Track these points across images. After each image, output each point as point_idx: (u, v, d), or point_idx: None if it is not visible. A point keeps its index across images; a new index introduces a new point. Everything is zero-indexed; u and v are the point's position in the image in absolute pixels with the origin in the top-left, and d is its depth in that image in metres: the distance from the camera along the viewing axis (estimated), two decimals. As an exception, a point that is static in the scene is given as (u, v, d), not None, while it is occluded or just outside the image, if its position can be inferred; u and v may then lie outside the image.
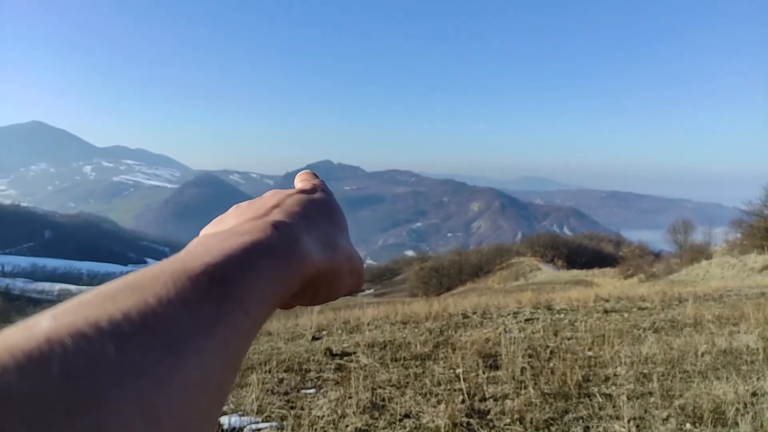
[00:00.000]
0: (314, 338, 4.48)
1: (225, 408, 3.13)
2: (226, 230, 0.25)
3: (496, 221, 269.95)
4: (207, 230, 0.28)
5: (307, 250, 0.26)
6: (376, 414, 2.72)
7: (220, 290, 0.20)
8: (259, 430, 2.63)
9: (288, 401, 2.97)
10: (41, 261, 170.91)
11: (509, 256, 43.10)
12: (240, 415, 2.82)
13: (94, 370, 0.16)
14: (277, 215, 0.27)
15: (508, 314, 5.50)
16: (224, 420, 2.72)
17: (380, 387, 3.11)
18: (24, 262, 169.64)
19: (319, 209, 0.31)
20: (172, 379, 0.17)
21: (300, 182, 0.36)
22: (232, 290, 0.21)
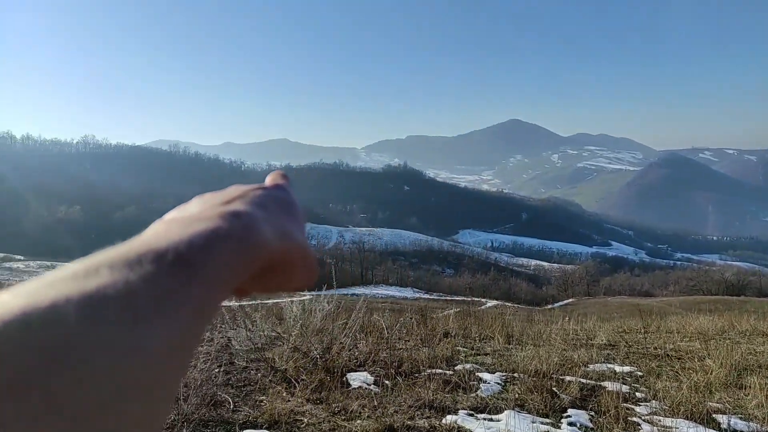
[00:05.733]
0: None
1: (720, 405, 3.46)
2: (190, 216, 0.28)
3: None
4: (169, 216, 0.30)
5: (264, 238, 0.28)
6: None
7: (184, 270, 0.22)
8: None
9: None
10: (520, 239, 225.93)
11: None
12: (742, 419, 2.89)
13: (65, 341, 0.17)
14: (237, 205, 0.29)
15: None
16: (722, 419, 2.86)
17: None
18: (507, 239, 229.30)
19: (278, 203, 0.34)
20: (138, 349, 0.18)
21: (268, 182, 0.39)
22: (195, 271, 0.23)
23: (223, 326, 5.12)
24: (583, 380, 4.19)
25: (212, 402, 3.35)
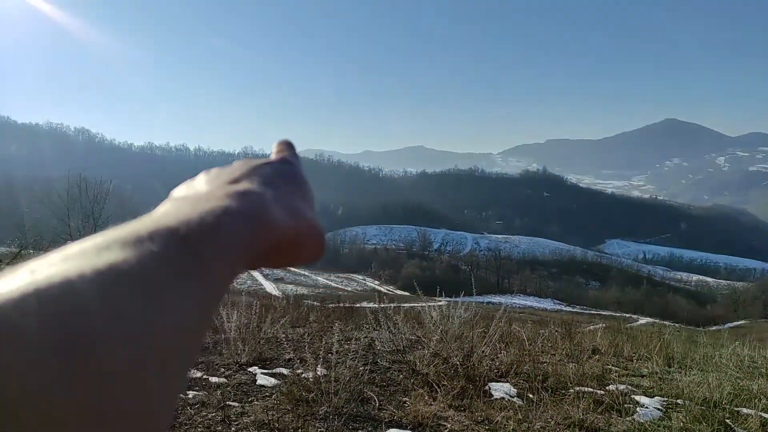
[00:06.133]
0: None
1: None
2: (198, 195, 0.27)
3: None
4: (176, 193, 0.30)
5: (273, 217, 0.28)
6: None
7: (195, 247, 0.22)
8: None
9: None
10: (678, 251, 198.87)
11: None
12: None
13: (81, 313, 0.17)
14: (246, 184, 0.29)
15: None
16: None
17: None
18: (662, 251, 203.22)
19: (287, 180, 0.33)
20: (153, 324, 0.19)
21: (273, 153, 0.38)
22: (205, 249, 0.23)
23: (367, 326, 5.37)
24: (765, 415, 3.55)
25: (360, 398, 3.54)
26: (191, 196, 0.27)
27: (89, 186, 25.01)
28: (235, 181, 0.30)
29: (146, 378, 0.18)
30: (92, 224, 23.76)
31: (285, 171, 0.35)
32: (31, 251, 16.86)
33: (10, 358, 0.15)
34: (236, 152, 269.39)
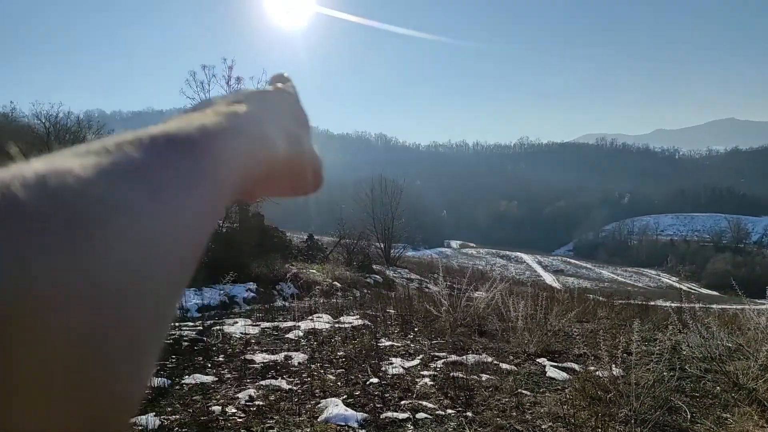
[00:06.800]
0: None
1: None
2: (196, 114, 0.27)
3: None
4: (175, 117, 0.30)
5: (269, 138, 0.29)
6: None
7: (195, 150, 0.23)
8: None
9: None
10: None
11: None
12: None
13: (83, 201, 0.17)
14: (240, 107, 0.29)
15: None
16: None
17: None
18: None
19: (285, 108, 0.34)
20: (153, 217, 0.19)
21: (270, 84, 0.38)
22: (206, 153, 0.23)
23: (669, 327, 4.83)
24: None
25: (666, 406, 3.26)
26: (189, 116, 0.27)
27: (387, 183, 29.66)
28: (230, 105, 0.30)
29: (143, 280, 0.18)
30: (390, 216, 28.03)
31: (281, 99, 0.35)
32: (347, 240, 21.15)
33: (9, 226, 0.15)
34: (512, 143, 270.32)
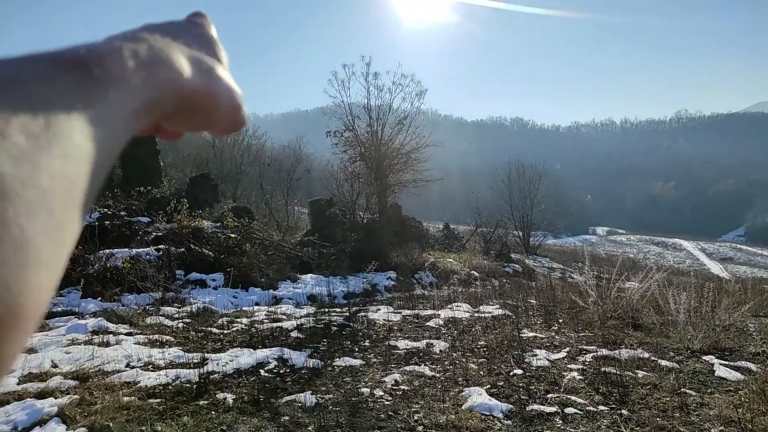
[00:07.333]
0: None
1: None
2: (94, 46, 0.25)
3: None
4: None
5: (179, 64, 0.27)
6: None
7: (89, 72, 0.21)
8: None
9: None
10: None
11: None
12: None
13: None
14: (146, 34, 0.27)
15: None
16: None
17: None
18: None
19: (195, 38, 0.31)
20: (30, 133, 0.18)
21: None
22: (102, 74, 0.22)
23: None
24: None
25: None
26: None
27: (524, 169, 28.46)
28: (135, 32, 0.28)
29: (42, 202, 0.17)
30: (529, 203, 26.89)
31: (191, 30, 0.33)
32: (484, 228, 20.88)
33: None
34: (667, 118, 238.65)
